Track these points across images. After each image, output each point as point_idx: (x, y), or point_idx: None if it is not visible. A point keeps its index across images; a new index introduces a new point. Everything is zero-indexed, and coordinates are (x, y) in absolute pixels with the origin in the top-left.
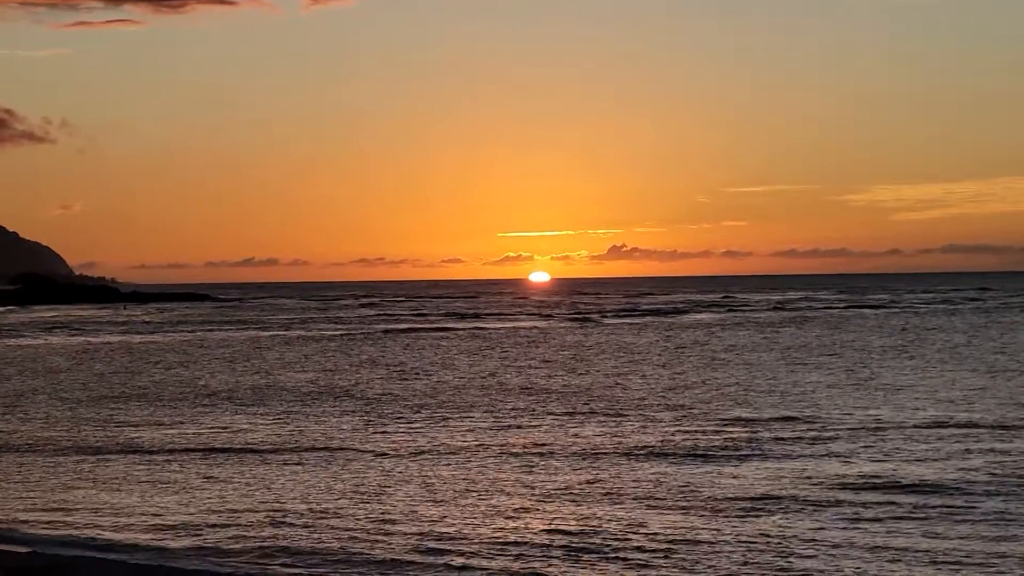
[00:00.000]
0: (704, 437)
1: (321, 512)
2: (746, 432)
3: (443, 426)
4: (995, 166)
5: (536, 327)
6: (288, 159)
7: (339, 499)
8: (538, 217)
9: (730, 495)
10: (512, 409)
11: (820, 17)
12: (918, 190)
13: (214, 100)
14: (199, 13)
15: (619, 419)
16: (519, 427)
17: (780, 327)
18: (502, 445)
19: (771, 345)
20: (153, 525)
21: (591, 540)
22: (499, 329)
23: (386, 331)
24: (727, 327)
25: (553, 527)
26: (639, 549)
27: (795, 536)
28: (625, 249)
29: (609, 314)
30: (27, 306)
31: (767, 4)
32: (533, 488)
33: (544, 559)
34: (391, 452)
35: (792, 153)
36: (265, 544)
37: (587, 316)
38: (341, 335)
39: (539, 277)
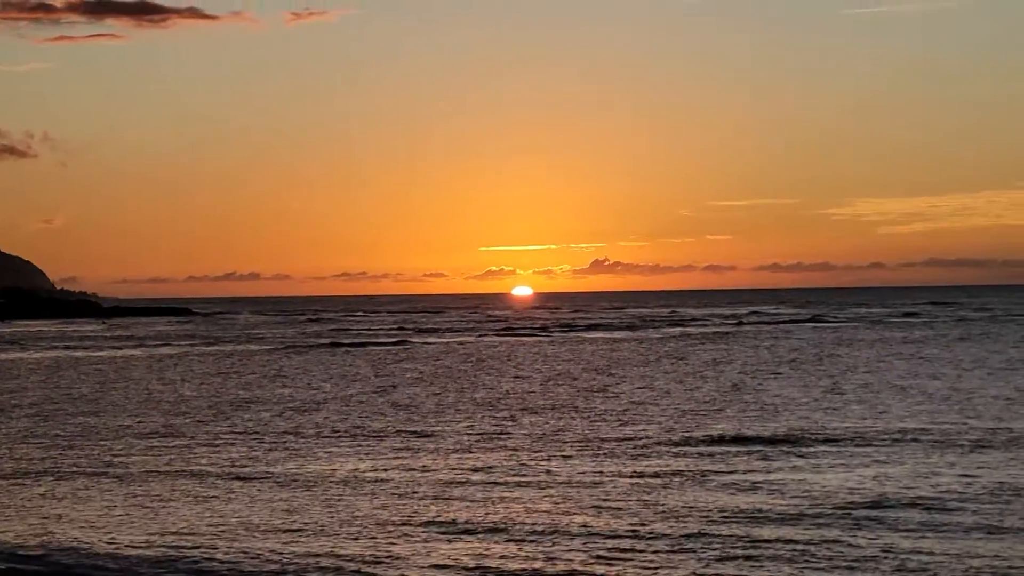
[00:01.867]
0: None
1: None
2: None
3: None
4: (978, 180)
5: (467, 341)
6: (270, 173)
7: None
8: (520, 231)
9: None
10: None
11: (804, 30)
12: (901, 203)
13: (196, 114)
14: (181, 27)
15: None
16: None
17: (682, 343)
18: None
19: (643, 360)
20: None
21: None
22: (429, 344)
23: (310, 347)
24: (622, 342)
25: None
26: None
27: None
28: (608, 263)
29: (539, 330)
30: (8, 320)
31: (752, 16)
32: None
33: None
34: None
35: (775, 167)
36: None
37: (515, 330)
38: (267, 350)
39: (522, 291)
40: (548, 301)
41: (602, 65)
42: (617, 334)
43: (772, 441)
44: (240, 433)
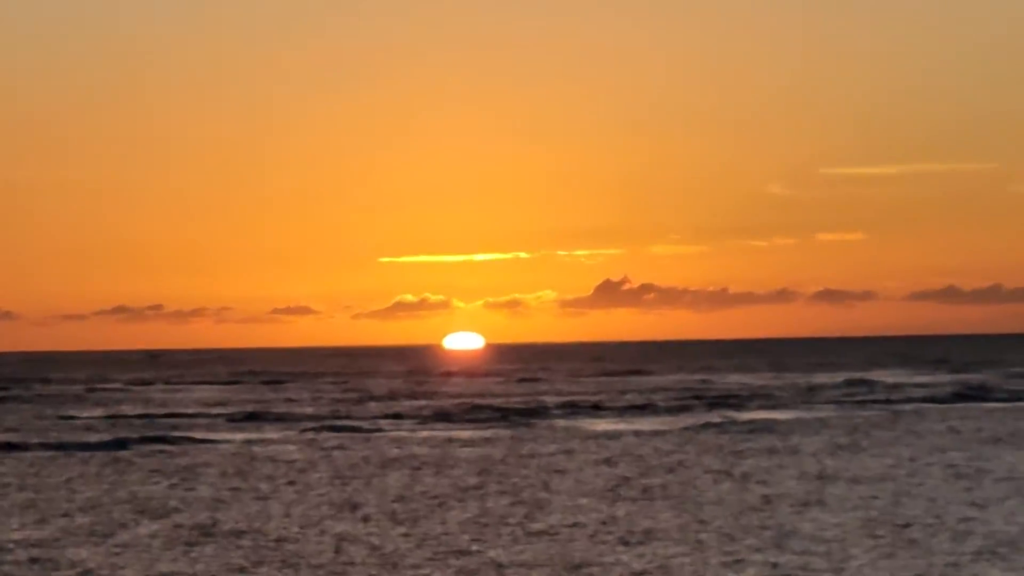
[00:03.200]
0: None
1: None
2: None
3: None
4: None
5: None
6: None
7: None
8: (458, 229)
9: None
10: None
11: None
12: None
13: None
14: None
15: None
16: None
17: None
18: None
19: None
20: None
21: None
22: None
23: None
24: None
25: None
26: None
27: None
28: (628, 287)
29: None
30: None
31: None
32: None
33: None
34: None
35: (950, 109)
36: None
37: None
38: None
39: (462, 341)
40: (512, 359)
41: None
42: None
43: None
44: None
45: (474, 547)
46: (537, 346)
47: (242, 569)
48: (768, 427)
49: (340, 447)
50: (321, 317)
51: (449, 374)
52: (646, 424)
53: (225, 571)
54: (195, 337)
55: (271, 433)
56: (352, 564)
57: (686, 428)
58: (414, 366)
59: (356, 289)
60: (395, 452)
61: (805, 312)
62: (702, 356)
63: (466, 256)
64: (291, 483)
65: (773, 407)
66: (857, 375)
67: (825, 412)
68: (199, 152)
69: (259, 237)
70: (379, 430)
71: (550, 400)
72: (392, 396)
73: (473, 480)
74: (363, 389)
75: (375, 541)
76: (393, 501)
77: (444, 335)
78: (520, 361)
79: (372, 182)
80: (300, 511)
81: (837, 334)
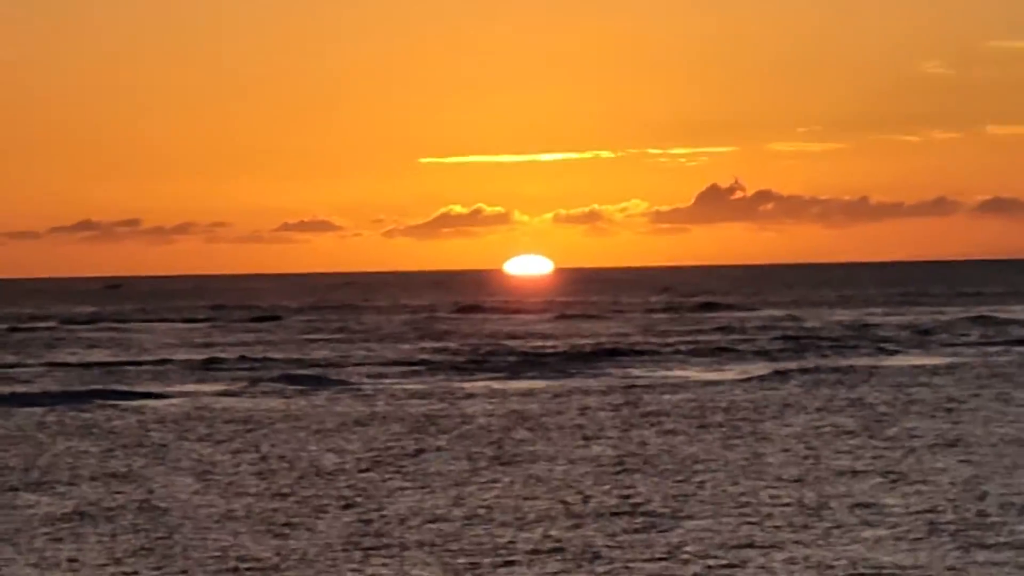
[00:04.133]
0: None
1: None
2: None
3: None
4: None
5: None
6: None
7: None
8: (519, 122)
9: None
10: None
11: None
12: None
13: None
14: None
15: None
16: None
17: None
18: None
19: None
20: None
21: None
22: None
23: None
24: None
25: None
26: None
27: None
28: (740, 195)
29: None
30: None
31: None
32: None
33: None
34: None
35: None
36: None
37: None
38: None
39: (529, 266)
40: (582, 289)
41: None
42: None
43: None
44: None
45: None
46: (621, 272)
47: (118, 560)
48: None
49: (301, 404)
50: (344, 235)
51: (475, 309)
52: (710, 373)
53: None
54: (180, 260)
55: (223, 387)
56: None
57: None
58: (448, 298)
59: (390, 198)
60: (368, 409)
61: (969, 227)
62: (836, 283)
63: (531, 156)
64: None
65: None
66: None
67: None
68: (188, 24)
69: (264, 131)
70: (360, 383)
71: (603, 343)
72: (399, 338)
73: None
74: (373, 328)
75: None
76: (313, 476)
77: (501, 257)
78: (591, 292)
79: (411, 63)
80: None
81: (1011, 255)
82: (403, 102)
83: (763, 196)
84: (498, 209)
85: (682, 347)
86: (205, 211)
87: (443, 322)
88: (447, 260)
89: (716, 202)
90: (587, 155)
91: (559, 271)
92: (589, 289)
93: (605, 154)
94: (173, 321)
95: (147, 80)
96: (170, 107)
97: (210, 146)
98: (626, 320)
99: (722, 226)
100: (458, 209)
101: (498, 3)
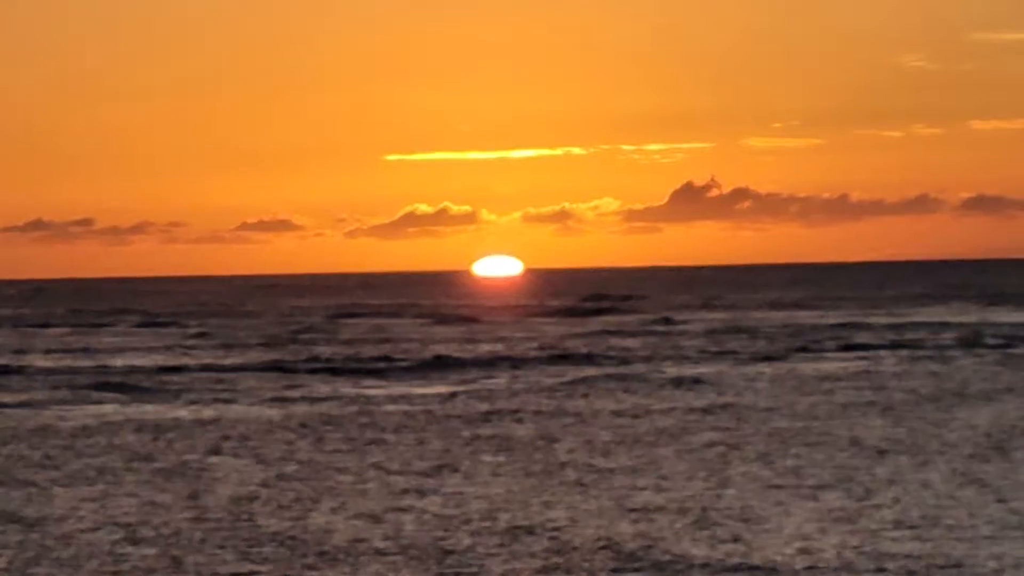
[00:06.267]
0: None
1: None
2: None
3: None
4: None
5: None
6: None
7: None
8: (488, 117)
9: None
10: None
11: None
12: None
13: None
14: None
15: None
16: None
17: None
18: None
19: None
20: None
21: None
22: None
23: None
24: None
25: None
26: None
27: None
28: (716, 193)
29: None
30: None
31: None
32: None
33: None
34: None
35: None
36: None
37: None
38: None
39: (497, 266)
40: (549, 292)
41: None
42: None
43: None
44: None
45: None
46: (593, 273)
47: None
48: None
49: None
50: (305, 235)
51: (351, 314)
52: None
53: None
54: (135, 261)
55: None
56: None
57: None
58: (402, 299)
59: (353, 197)
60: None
61: (952, 226)
62: (810, 283)
63: (499, 153)
64: None
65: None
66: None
67: None
68: (145, 17)
69: (223, 127)
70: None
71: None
72: (230, 346)
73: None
74: (218, 334)
75: None
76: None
77: (468, 258)
78: (559, 296)
79: (377, 57)
80: None
81: (994, 255)
82: (368, 97)
83: (740, 194)
84: (465, 208)
85: (498, 355)
86: (161, 211)
87: (312, 330)
88: (412, 261)
89: (691, 200)
90: (557, 152)
91: (528, 272)
92: (529, 292)
93: (576, 151)
94: (33, 326)
95: (101, 74)
96: (125, 102)
97: (167, 143)
98: (497, 326)
99: (697, 225)
100: (424, 208)
101: None
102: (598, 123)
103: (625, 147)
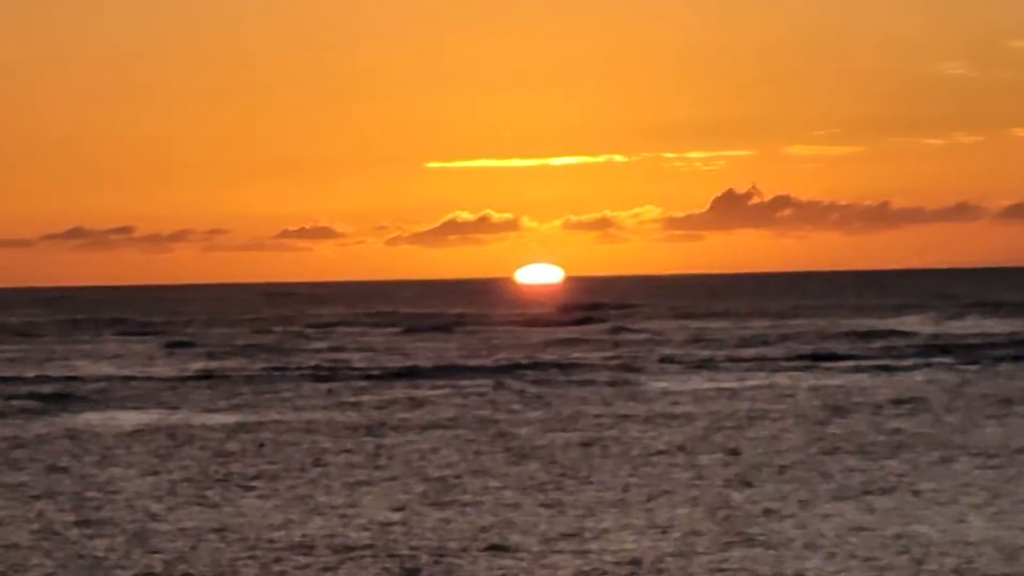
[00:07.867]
0: None
1: None
2: None
3: None
4: None
5: None
6: None
7: None
8: (530, 124)
9: None
10: None
11: None
12: None
13: None
14: None
15: None
16: None
17: None
18: None
19: None
20: None
21: None
22: None
23: None
24: None
25: None
26: None
27: None
28: (757, 201)
29: None
30: None
31: None
32: None
33: None
34: None
35: None
36: None
37: None
38: None
39: (538, 273)
40: (588, 297)
41: None
42: None
43: None
44: None
45: None
46: (633, 280)
47: None
48: None
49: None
50: (346, 242)
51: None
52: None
53: None
54: (175, 269)
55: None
56: None
57: None
58: (433, 307)
59: (394, 204)
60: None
61: (993, 233)
62: (849, 292)
63: (540, 160)
64: None
65: None
66: None
67: None
68: (185, 27)
69: (264, 135)
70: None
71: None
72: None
73: None
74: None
75: None
76: None
77: (509, 265)
78: (554, 304)
79: (417, 65)
80: None
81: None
82: (409, 105)
83: (781, 202)
84: (506, 215)
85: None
86: (202, 218)
87: (293, 339)
88: (453, 268)
89: (732, 208)
90: (599, 159)
91: (569, 279)
92: (614, 296)
93: (618, 158)
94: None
95: (142, 84)
96: (166, 110)
97: (207, 151)
98: (470, 335)
99: (738, 233)
100: (465, 215)
101: (507, 4)
102: (640, 130)
103: (667, 155)
